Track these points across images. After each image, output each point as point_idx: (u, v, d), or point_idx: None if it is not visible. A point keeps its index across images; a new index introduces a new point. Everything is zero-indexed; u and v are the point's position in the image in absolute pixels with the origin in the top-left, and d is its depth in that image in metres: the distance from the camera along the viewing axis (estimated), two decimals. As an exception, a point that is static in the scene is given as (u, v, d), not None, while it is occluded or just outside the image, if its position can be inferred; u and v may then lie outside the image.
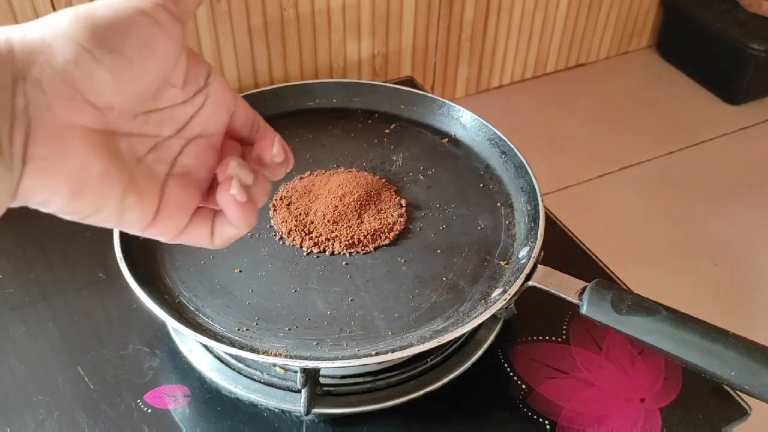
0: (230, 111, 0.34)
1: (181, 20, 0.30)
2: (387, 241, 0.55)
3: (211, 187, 0.34)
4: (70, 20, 0.27)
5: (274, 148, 0.34)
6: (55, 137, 0.27)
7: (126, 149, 0.30)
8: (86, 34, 0.27)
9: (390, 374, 0.51)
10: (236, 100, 0.35)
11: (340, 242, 0.54)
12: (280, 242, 0.55)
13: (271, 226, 0.57)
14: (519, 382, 0.52)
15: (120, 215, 0.30)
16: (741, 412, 0.51)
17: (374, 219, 0.56)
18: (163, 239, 0.33)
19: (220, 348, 0.46)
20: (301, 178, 0.61)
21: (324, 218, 0.55)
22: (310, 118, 0.69)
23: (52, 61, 0.26)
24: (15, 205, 0.27)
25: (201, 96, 0.32)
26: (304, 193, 0.58)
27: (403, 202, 0.59)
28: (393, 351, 0.46)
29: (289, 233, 0.55)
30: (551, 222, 0.66)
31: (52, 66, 0.26)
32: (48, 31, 0.27)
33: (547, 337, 0.56)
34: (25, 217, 0.63)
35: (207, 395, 0.51)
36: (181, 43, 0.30)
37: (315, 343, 0.48)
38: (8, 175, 0.26)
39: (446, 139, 0.67)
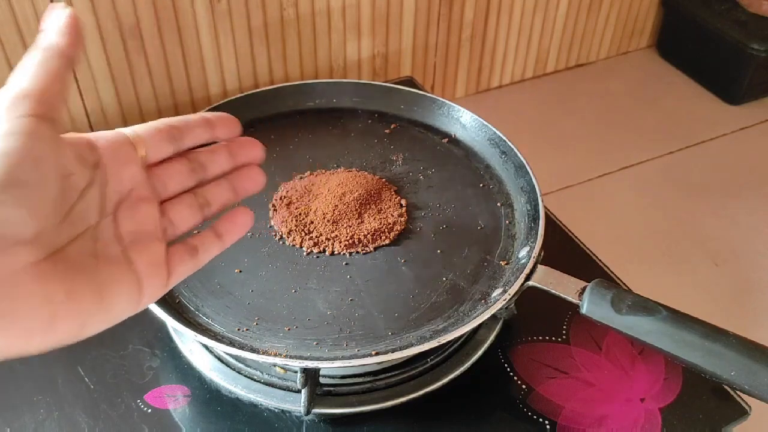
0: (135, 160, 0.33)
1: (54, 121, 0.29)
2: (387, 241, 0.55)
3: (164, 213, 0.34)
4: None
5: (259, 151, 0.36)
6: (7, 287, 0.26)
7: (75, 256, 0.29)
8: None
9: (390, 374, 0.51)
10: (135, 140, 0.33)
11: (340, 242, 0.54)
12: (280, 242, 0.55)
13: (271, 226, 0.57)
14: (519, 382, 0.52)
15: (109, 314, 0.30)
16: (741, 412, 0.51)
17: (374, 219, 0.56)
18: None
19: (220, 348, 0.46)
20: (301, 178, 0.61)
21: (324, 218, 0.55)
22: (310, 118, 0.69)
23: None
24: None
25: (98, 168, 0.31)
26: (304, 193, 0.58)
27: (403, 202, 0.59)
28: (393, 351, 0.46)
29: (289, 233, 0.55)
30: (551, 222, 0.66)
31: None
32: None
33: (547, 337, 0.56)
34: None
35: (207, 395, 0.51)
36: (59, 135, 0.29)
37: (315, 343, 0.48)
38: None
39: (446, 139, 0.67)
